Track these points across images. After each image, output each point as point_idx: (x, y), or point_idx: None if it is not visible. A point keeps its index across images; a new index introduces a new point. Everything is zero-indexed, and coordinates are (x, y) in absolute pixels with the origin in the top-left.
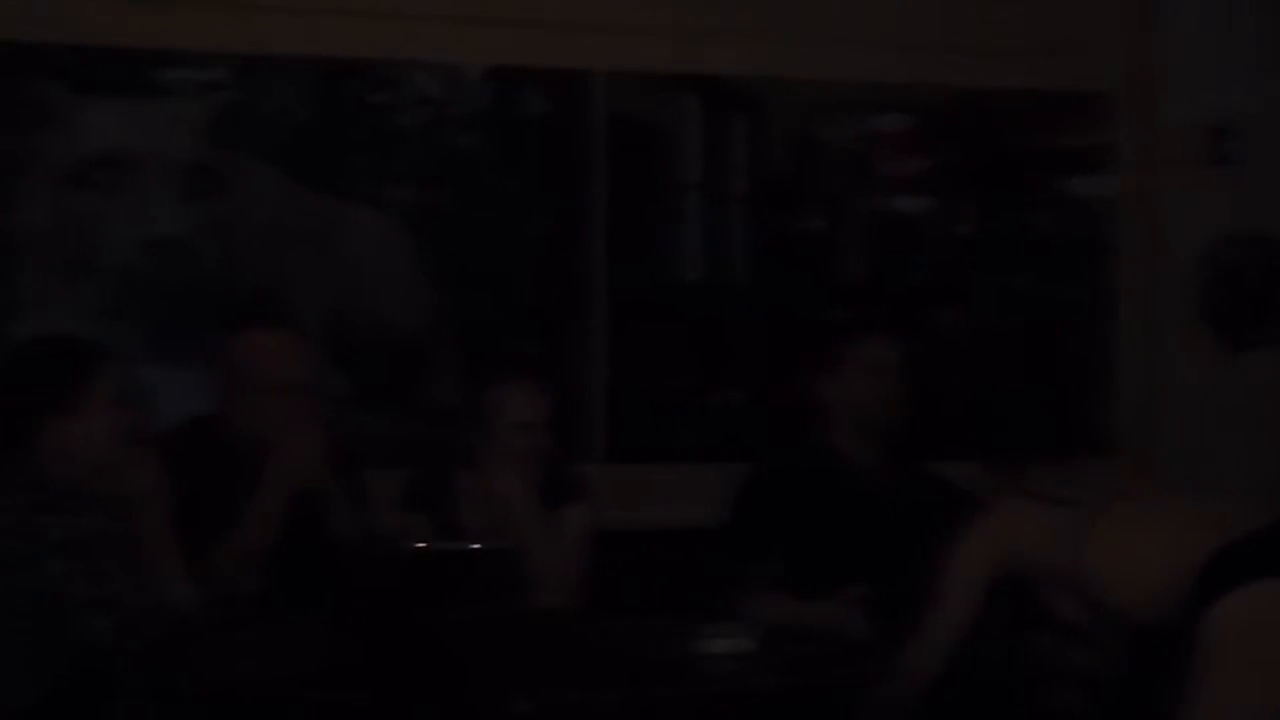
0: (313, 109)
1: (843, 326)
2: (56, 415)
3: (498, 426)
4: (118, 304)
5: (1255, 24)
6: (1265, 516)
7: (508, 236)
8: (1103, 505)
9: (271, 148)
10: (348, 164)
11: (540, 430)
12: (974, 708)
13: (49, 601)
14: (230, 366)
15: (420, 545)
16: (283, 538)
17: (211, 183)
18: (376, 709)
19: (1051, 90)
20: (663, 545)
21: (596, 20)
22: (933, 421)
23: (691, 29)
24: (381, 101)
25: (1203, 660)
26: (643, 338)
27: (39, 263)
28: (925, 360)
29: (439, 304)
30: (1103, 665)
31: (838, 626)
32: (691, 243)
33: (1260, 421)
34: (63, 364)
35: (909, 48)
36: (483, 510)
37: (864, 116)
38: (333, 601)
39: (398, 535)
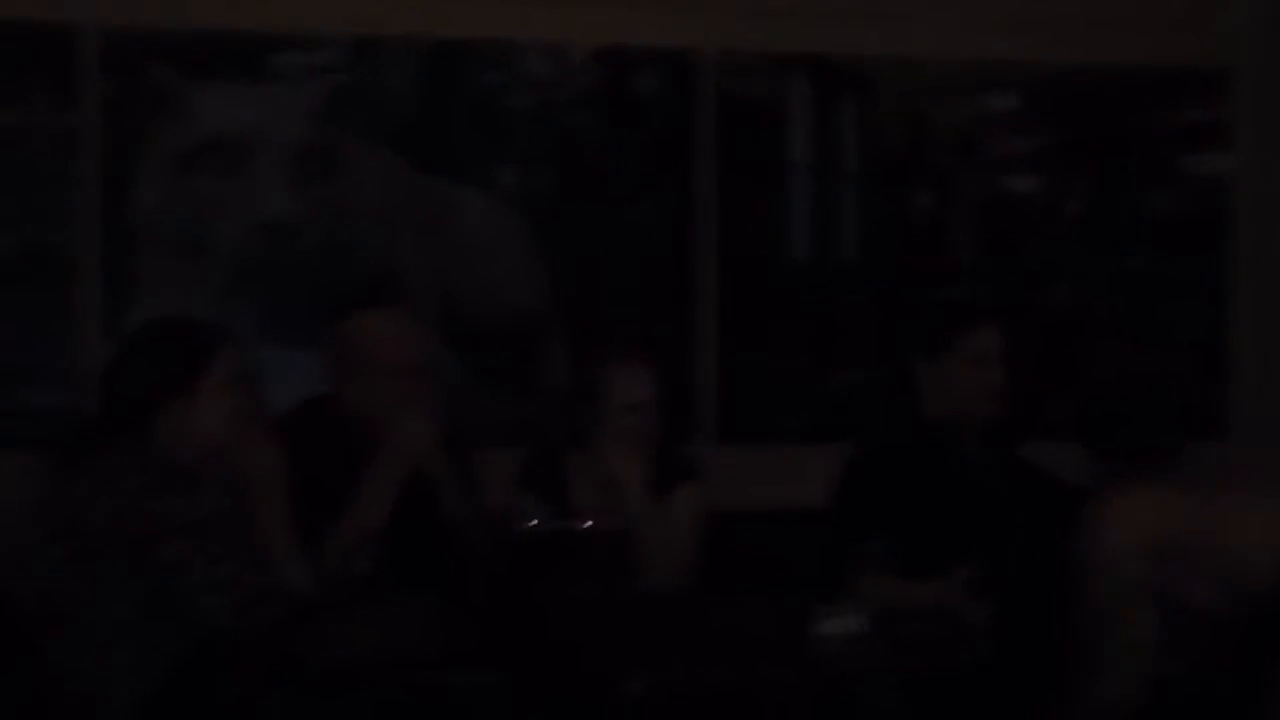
0: (423, 91)
1: (951, 313)
2: (175, 397)
3: (608, 407)
4: (233, 286)
5: None
6: None
7: (618, 217)
8: (1226, 486)
9: (383, 130)
10: (459, 146)
11: (650, 411)
12: None
13: (167, 583)
14: (344, 348)
15: (533, 525)
16: (396, 519)
17: (324, 165)
18: (491, 689)
19: (1168, 65)
20: (775, 526)
21: None
22: (1042, 403)
23: (800, 7)
24: (491, 83)
25: None
26: (753, 317)
27: (156, 245)
28: (1036, 340)
29: (550, 285)
30: (1240, 649)
31: (949, 608)
32: (801, 222)
33: None
34: (182, 346)
35: (1021, 25)
36: (595, 491)
37: (975, 95)
38: (446, 582)
39: (510, 516)
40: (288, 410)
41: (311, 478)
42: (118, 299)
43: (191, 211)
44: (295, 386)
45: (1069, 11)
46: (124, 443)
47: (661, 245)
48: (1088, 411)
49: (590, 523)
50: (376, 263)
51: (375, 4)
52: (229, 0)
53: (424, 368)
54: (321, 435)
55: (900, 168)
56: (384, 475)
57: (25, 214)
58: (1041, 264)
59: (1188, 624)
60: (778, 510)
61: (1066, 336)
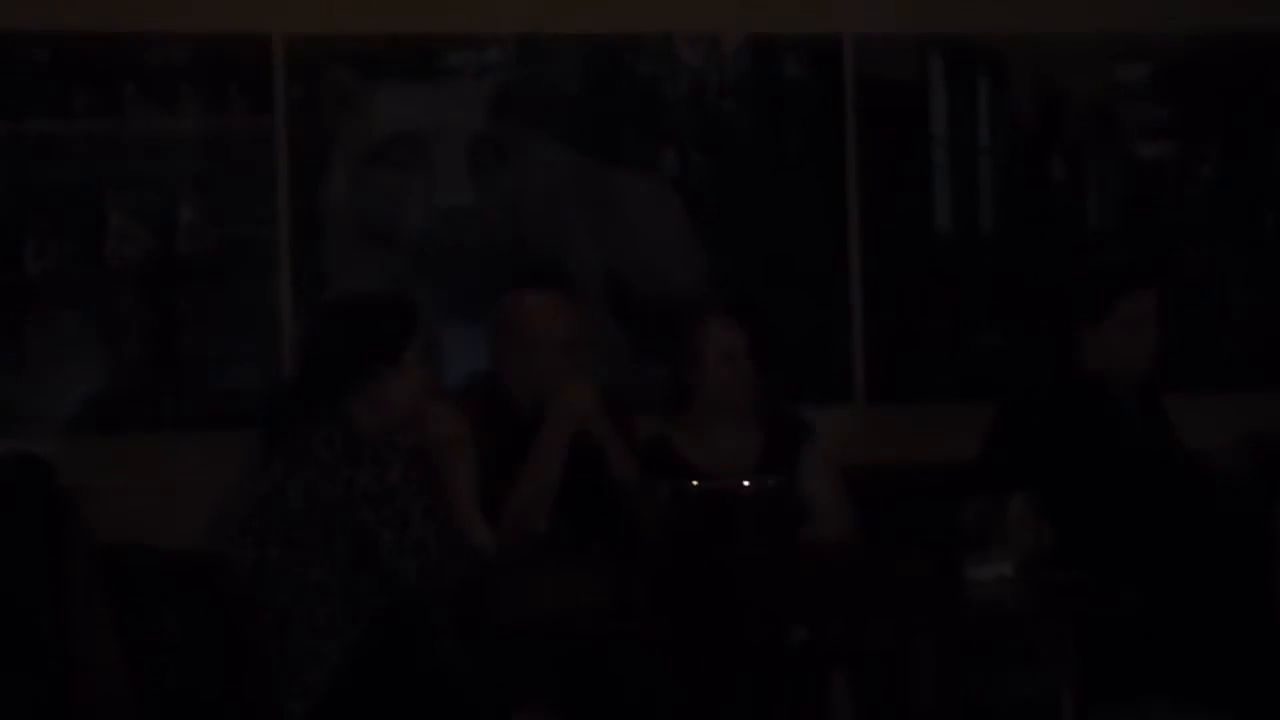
0: (585, 83)
1: (1107, 276)
2: (381, 368)
3: (706, 362)
4: (412, 270)
5: None
6: None
7: (769, 195)
8: None
9: (549, 121)
10: (619, 133)
11: (744, 359)
12: None
13: (362, 547)
14: (505, 325)
15: (694, 484)
16: (566, 481)
17: (496, 155)
18: (665, 639)
19: None
20: (922, 479)
21: None
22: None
23: None
24: (648, 73)
25: None
26: (898, 285)
27: (342, 233)
28: (1172, 299)
29: (706, 261)
30: None
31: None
32: (942, 194)
33: None
34: (387, 318)
35: None
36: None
37: (1106, 66)
38: (616, 539)
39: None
40: (462, 383)
41: (485, 446)
42: (309, 285)
43: (376, 202)
44: (460, 362)
45: None
46: (316, 416)
47: (811, 220)
48: None
49: (747, 482)
50: (546, 245)
51: (538, 4)
52: (403, 6)
53: (581, 341)
54: (489, 407)
55: (1035, 140)
56: (553, 435)
57: (228, 211)
58: (1175, 226)
59: None
60: (924, 464)
61: (1200, 295)
